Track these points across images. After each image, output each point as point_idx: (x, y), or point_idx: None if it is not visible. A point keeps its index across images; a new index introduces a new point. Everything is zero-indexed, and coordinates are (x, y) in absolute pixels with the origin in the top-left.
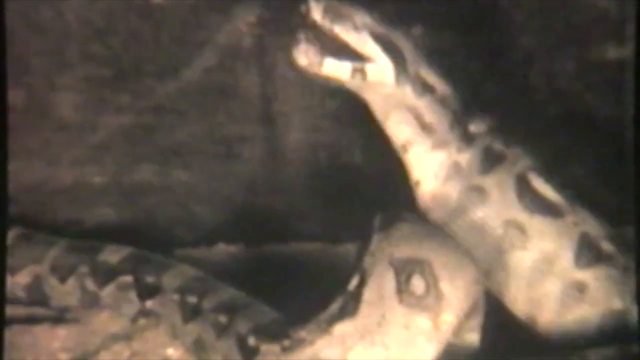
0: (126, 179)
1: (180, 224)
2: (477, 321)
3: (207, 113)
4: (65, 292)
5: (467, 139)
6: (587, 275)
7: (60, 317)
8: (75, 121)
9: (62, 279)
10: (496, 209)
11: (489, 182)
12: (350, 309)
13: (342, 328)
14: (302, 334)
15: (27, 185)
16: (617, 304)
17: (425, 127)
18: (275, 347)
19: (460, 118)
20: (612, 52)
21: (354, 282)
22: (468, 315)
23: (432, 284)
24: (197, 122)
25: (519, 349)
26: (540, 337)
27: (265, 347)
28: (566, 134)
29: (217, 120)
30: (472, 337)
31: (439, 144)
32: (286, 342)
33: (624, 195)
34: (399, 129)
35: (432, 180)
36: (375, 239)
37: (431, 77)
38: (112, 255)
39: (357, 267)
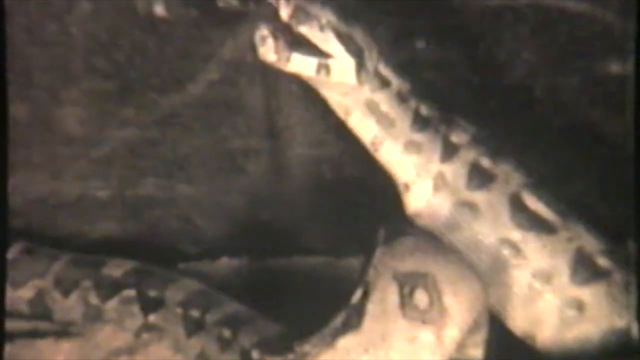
0: (130, 193)
1: (184, 238)
2: (480, 336)
3: (211, 127)
4: (69, 306)
5: (450, 148)
6: (585, 293)
7: (63, 332)
8: (79, 135)
9: (66, 293)
10: (489, 226)
11: (481, 199)
12: (353, 322)
13: (345, 342)
14: (306, 347)
15: (31, 199)
16: (617, 321)
17: (383, 119)
18: None
19: (433, 122)
20: (616, 67)
21: (357, 296)
22: (471, 330)
23: (435, 298)
24: (201, 136)
25: None
26: (541, 355)
27: None
28: (569, 147)
29: (221, 134)
30: (475, 353)
31: (411, 146)
32: (290, 356)
33: (626, 209)
34: (362, 125)
35: (422, 187)
36: (379, 252)
37: (388, 73)
38: (116, 269)
39: (360, 280)
